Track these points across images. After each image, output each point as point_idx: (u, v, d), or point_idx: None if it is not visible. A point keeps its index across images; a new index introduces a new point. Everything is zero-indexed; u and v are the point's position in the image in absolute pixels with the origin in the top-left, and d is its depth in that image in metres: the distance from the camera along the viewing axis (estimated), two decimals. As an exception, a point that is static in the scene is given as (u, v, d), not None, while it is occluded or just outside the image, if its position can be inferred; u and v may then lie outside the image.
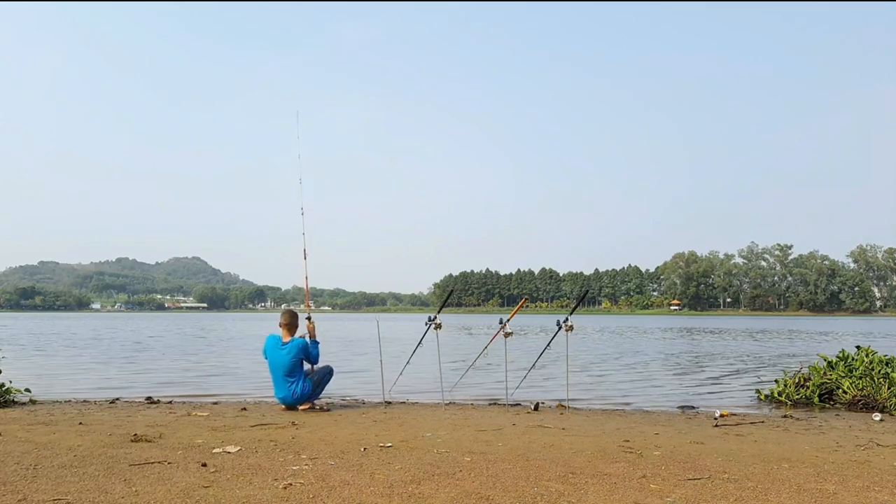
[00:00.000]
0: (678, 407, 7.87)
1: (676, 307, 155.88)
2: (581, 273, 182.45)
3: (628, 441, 4.94)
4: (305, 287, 7.46)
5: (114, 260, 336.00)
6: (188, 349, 19.20)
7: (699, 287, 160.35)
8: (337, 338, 27.00)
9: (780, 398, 8.07)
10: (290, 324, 6.70)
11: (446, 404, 7.54)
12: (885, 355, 8.05)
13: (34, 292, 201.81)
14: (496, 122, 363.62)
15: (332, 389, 9.26)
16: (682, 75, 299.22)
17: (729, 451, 4.62)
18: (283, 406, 6.71)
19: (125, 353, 17.16)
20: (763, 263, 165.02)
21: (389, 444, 4.55)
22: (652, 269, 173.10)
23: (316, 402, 6.86)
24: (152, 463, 3.82)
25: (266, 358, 6.72)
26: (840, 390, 7.74)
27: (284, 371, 6.54)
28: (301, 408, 6.62)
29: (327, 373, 6.95)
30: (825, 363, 8.32)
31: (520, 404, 7.60)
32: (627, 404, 8.14)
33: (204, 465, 3.78)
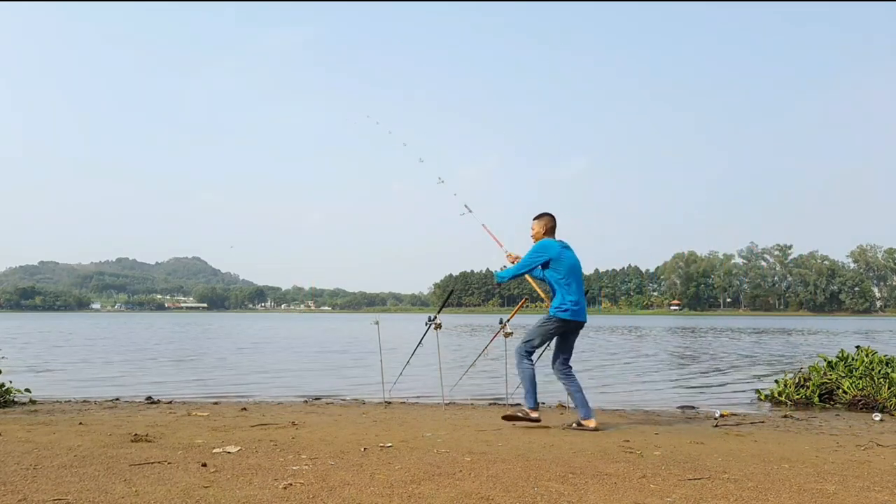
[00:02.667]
0: (678, 407, 7.87)
1: (676, 307, 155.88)
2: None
3: (628, 441, 4.94)
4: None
5: (114, 260, 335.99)
6: (196, 349, 19.20)
7: (699, 287, 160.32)
8: (337, 339, 27.01)
9: (780, 398, 8.07)
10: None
11: (446, 404, 7.54)
12: (885, 355, 8.04)
13: (34, 292, 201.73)
14: (496, 121, 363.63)
15: (333, 389, 9.27)
16: (682, 73, 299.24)
17: (729, 451, 4.62)
18: None
19: (128, 354, 17.16)
20: (763, 263, 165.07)
21: (389, 444, 4.55)
22: (652, 269, 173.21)
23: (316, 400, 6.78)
24: (152, 463, 3.82)
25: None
26: (840, 390, 7.74)
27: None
28: None
29: None
30: (825, 363, 8.32)
31: (520, 404, 7.59)
32: (627, 404, 8.14)
33: (204, 465, 3.78)
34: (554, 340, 5.82)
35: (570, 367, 5.83)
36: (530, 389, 5.67)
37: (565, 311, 5.59)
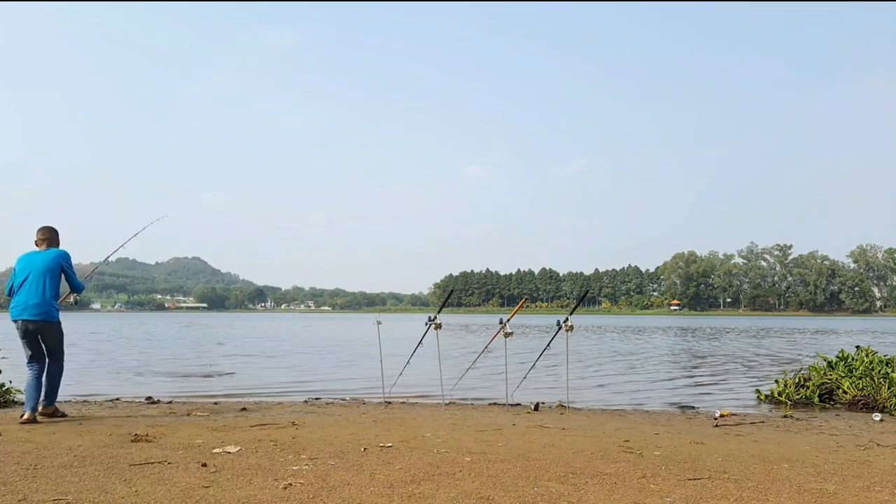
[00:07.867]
0: (678, 407, 7.87)
1: (676, 307, 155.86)
2: (581, 273, 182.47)
3: (628, 441, 4.94)
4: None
5: (114, 260, 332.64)
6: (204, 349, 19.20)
7: (699, 287, 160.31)
8: (338, 339, 27.02)
9: (781, 398, 8.08)
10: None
11: (446, 404, 7.55)
12: (885, 355, 8.06)
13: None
14: (496, 121, 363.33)
15: (333, 389, 9.27)
16: (682, 74, 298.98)
17: (729, 451, 4.63)
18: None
19: (130, 353, 17.16)
20: (763, 263, 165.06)
21: (389, 444, 4.55)
22: (652, 269, 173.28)
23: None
24: (152, 463, 3.83)
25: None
26: (840, 390, 7.74)
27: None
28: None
29: None
30: (825, 363, 8.33)
31: (520, 404, 7.60)
32: (627, 404, 8.14)
33: (204, 465, 3.78)
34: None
35: (44, 369, 6.03)
36: (27, 394, 5.77)
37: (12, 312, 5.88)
